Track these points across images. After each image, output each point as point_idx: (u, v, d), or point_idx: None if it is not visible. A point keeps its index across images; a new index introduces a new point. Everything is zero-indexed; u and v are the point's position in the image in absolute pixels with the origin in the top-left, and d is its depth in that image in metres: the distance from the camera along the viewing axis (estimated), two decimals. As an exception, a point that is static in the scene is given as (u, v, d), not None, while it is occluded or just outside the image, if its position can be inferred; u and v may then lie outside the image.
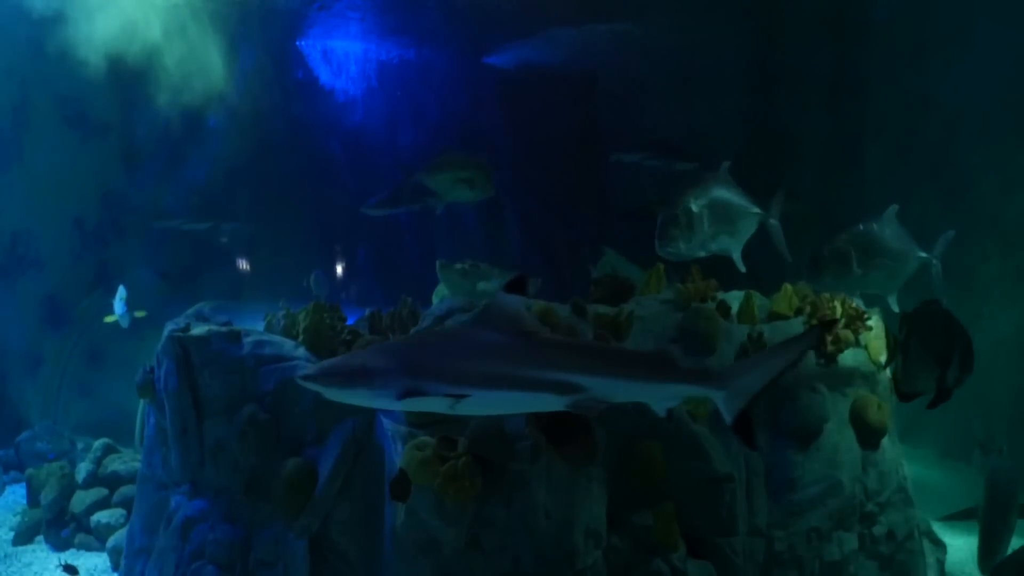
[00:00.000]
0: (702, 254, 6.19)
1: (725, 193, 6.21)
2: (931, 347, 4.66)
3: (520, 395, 4.11)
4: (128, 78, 10.31)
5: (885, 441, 6.07)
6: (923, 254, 6.30)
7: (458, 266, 7.82)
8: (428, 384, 3.93)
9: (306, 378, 4.08)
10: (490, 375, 4.02)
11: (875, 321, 6.42)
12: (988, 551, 6.19)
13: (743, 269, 6.33)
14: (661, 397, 4.42)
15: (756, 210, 6.34)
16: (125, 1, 9.86)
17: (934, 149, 10.42)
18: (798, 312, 6.32)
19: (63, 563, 7.23)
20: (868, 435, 6.00)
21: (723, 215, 6.15)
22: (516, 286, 4.17)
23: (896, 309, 6.25)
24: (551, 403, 4.15)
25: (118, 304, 9.45)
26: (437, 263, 7.83)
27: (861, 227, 6.19)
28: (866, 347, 6.31)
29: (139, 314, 9.52)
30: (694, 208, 5.90)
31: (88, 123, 11.43)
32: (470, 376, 3.98)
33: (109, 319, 9.61)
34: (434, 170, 8.60)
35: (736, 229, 6.30)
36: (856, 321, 6.29)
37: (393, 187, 9.80)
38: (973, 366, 4.65)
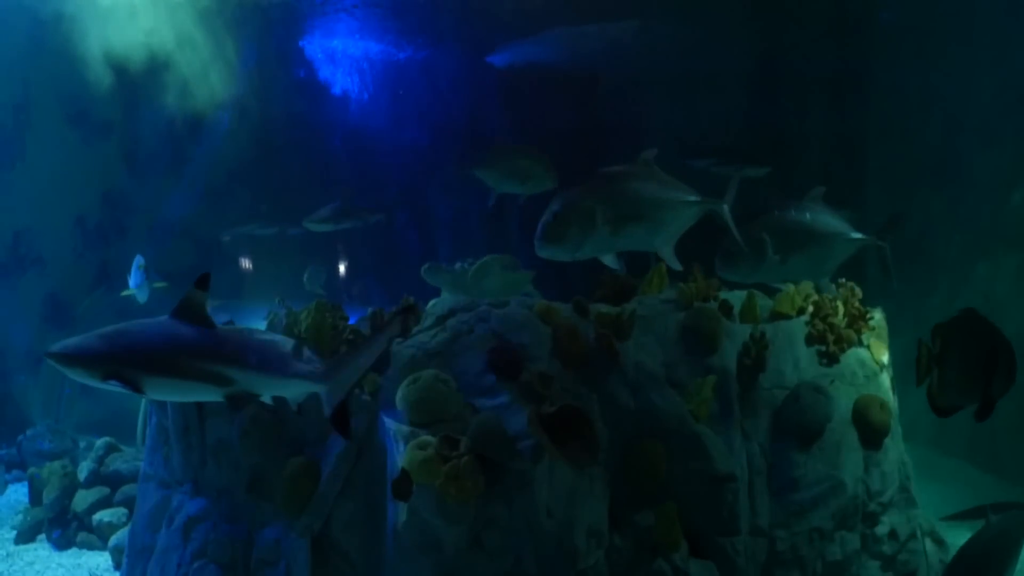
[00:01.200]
0: (607, 255, 5.68)
1: (636, 184, 5.58)
2: (974, 358, 4.50)
3: (187, 384, 4.40)
4: (130, 77, 10.31)
5: (888, 441, 6.06)
6: (857, 235, 5.82)
7: (458, 265, 7.73)
8: (119, 368, 4.21)
9: (47, 355, 4.35)
10: (166, 364, 4.33)
11: (878, 320, 6.41)
12: None
13: (677, 267, 5.76)
14: (292, 392, 4.71)
15: (692, 198, 5.72)
16: (127, 1, 9.87)
17: (937, 148, 10.41)
18: (800, 311, 6.31)
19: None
20: (870, 435, 5.98)
21: (635, 209, 5.53)
22: (202, 283, 4.51)
23: (833, 292, 5.98)
24: (212, 393, 4.44)
25: (135, 275, 8.82)
26: (422, 268, 7.55)
27: (776, 212, 5.69)
28: (868, 346, 6.30)
29: (159, 284, 9.04)
30: (583, 204, 5.32)
31: (90, 122, 11.44)
32: (151, 364, 4.30)
33: (125, 293, 9.06)
34: (485, 162, 8.35)
35: (659, 221, 5.65)
36: (858, 320, 6.28)
37: (339, 200, 9.72)
38: (1016, 374, 4.51)
